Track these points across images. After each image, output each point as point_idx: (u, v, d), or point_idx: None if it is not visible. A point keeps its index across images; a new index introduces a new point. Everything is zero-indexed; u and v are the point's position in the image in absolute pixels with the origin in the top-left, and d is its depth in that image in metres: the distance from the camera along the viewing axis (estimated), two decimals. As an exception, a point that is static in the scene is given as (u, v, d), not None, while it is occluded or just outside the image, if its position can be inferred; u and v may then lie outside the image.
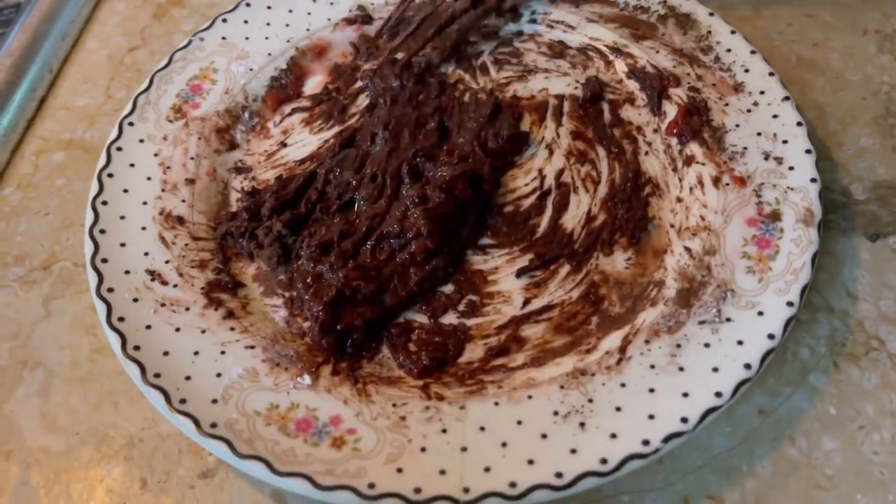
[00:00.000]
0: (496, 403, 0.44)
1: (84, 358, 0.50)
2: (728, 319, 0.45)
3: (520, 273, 0.51)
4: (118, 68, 0.66)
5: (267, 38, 0.62)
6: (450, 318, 0.49)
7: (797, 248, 0.47)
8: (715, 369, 0.43)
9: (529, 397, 0.44)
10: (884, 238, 0.52)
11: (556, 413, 0.43)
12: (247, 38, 0.62)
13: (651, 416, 0.42)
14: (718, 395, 0.42)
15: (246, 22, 0.62)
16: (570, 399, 0.43)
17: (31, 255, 0.55)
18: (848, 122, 0.58)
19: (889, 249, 0.51)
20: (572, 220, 0.53)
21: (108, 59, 0.67)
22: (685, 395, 0.42)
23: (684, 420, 0.41)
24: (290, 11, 0.63)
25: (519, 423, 0.43)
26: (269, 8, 0.63)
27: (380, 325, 0.48)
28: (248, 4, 0.63)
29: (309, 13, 0.63)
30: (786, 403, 0.46)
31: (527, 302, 0.49)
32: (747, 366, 0.43)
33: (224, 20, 0.62)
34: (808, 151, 0.51)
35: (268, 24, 0.63)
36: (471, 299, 0.50)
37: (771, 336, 0.44)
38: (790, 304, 0.45)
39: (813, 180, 0.49)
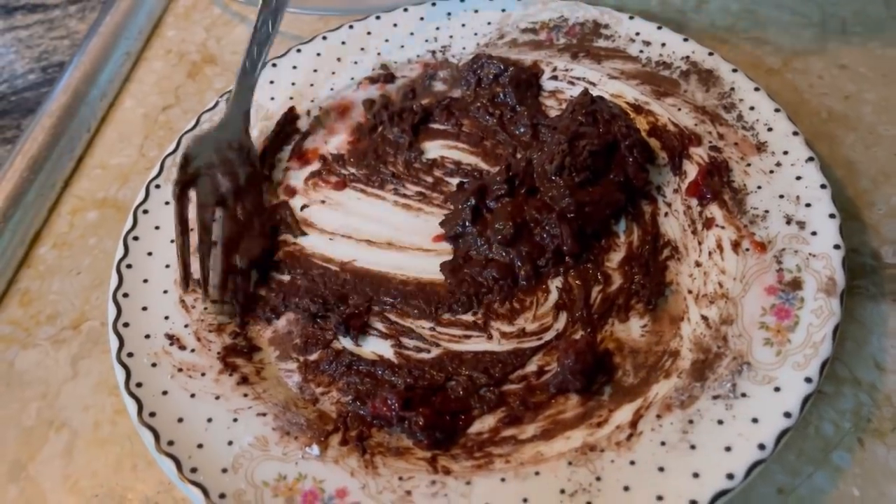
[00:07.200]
0: (503, 479, 0.43)
1: (106, 419, 0.51)
2: (743, 395, 0.44)
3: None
4: (152, 127, 0.68)
5: (291, 97, 0.63)
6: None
7: (818, 320, 0.45)
8: (728, 448, 0.42)
9: (537, 473, 0.43)
10: (915, 305, 0.49)
11: (562, 491, 0.42)
12: (272, 99, 0.63)
13: (660, 498, 0.41)
14: (730, 476, 0.41)
15: (272, 82, 0.64)
16: (577, 476, 0.43)
17: (63, 314, 0.57)
18: (880, 181, 0.56)
19: (920, 317, 0.49)
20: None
21: (144, 118, 0.69)
22: (696, 475, 0.41)
23: (694, 503, 0.40)
24: (315, 71, 0.64)
25: (525, 500, 0.42)
26: (294, 68, 0.65)
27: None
28: (273, 65, 0.64)
29: (333, 73, 0.64)
30: (806, 483, 0.44)
31: (541, 370, 0.49)
32: (761, 446, 0.41)
33: (250, 81, 0.64)
34: (832, 216, 0.49)
35: (293, 84, 0.64)
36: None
37: (787, 415, 0.42)
38: (808, 380, 0.43)
39: (836, 247, 0.48)
